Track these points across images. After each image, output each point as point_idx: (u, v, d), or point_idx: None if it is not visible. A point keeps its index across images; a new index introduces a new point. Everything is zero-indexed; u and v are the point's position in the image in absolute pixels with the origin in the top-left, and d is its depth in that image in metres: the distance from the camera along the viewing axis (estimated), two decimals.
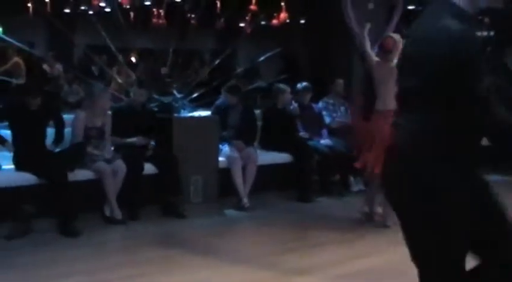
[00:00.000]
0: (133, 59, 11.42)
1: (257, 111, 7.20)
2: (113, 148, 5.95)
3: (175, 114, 6.43)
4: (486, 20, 11.60)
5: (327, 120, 7.55)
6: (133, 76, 8.38)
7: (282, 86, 7.27)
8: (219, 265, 4.62)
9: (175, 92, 6.66)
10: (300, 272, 4.43)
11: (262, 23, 12.00)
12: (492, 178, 7.11)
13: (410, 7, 9.01)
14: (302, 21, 10.53)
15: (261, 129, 7.04)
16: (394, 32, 6.26)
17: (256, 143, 6.92)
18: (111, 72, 9.14)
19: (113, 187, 5.59)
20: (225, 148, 6.46)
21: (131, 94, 6.38)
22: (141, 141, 5.98)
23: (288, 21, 11.06)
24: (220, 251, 5.00)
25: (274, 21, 11.71)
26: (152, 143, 6.07)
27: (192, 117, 6.55)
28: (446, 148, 2.35)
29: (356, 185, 7.22)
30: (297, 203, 6.72)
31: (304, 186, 6.84)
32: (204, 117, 6.62)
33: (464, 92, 2.34)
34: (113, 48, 7.13)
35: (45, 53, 10.45)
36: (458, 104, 2.35)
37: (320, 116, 7.51)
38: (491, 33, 12.15)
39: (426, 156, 2.35)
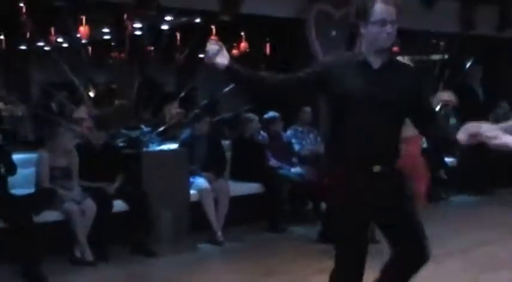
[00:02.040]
0: (91, 94, 11.21)
1: (226, 142, 7.10)
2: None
3: (144, 149, 6.27)
4: (442, 43, 11.85)
5: (297, 148, 7.49)
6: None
7: (249, 115, 7.23)
8: None
9: (142, 126, 6.51)
10: None
11: None
12: (459, 199, 7.10)
13: None
14: (266, 50, 10.52)
15: (230, 160, 6.94)
16: None
17: (226, 174, 6.80)
18: (71, 107, 8.91)
19: (82, 227, 5.39)
20: (196, 181, 6.31)
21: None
22: (108, 188, 5.79)
23: (248, 50, 11.08)
24: None
25: (234, 51, 11.74)
26: (116, 185, 5.87)
27: (161, 151, 6.39)
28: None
29: None
30: (270, 233, 6.60)
31: (276, 216, 6.73)
32: (173, 150, 6.48)
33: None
34: (77, 83, 6.96)
35: (2, 93, 10.17)
36: None
37: (289, 144, 7.45)
38: (446, 56, 12.42)
39: None
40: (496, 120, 8.91)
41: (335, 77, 2.95)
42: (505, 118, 9.43)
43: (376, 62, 2.98)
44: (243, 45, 11.24)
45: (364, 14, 2.92)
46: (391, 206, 3.02)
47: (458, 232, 6.39)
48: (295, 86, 3.01)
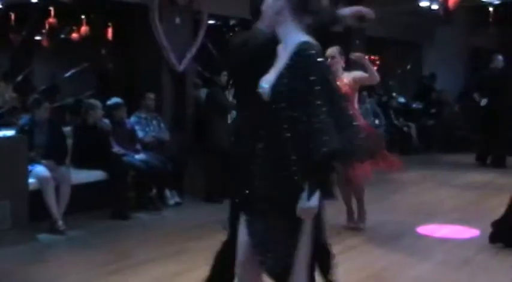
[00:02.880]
0: None
1: (67, 129, 6.89)
2: None
3: None
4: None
5: (140, 134, 7.46)
6: None
7: (92, 101, 7.08)
8: None
9: None
10: None
11: (62, 36, 11.59)
12: None
13: (210, 22, 9.31)
14: (107, 35, 10.30)
15: (72, 147, 6.76)
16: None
17: (68, 162, 6.62)
18: None
19: None
20: (35, 169, 6.08)
21: None
22: None
23: (90, 35, 10.80)
24: (38, 281, 4.67)
25: (75, 35, 11.37)
26: None
27: None
28: None
29: (172, 198, 7.24)
30: (114, 221, 6.54)
31: (121, 203, 6.69)
32: (11, 137, 6.16)
33: None
34: None
35: None
36: None
37: (133, 131, 7.40)
38: None
39: None
40: None
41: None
42: None
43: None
44: (84, 29, 10.95)
45: None
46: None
47: None
48: None
